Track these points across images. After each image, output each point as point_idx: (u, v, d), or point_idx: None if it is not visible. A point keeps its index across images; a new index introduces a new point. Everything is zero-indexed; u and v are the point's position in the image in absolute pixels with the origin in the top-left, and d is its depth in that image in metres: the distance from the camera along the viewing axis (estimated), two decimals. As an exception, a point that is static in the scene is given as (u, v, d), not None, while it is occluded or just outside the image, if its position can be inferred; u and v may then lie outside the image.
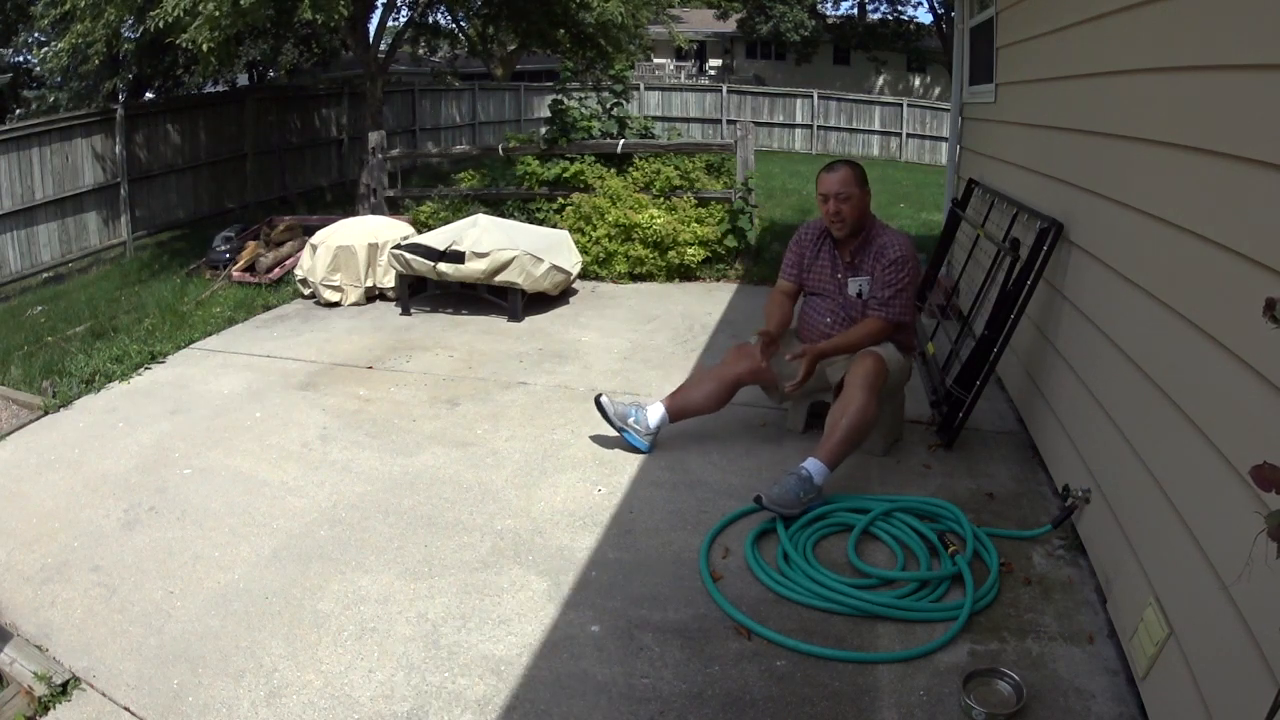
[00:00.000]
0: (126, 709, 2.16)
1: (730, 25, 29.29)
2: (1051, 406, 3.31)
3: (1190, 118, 2.24)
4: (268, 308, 5.89)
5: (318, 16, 7.39)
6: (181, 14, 7.03)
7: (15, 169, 8.51)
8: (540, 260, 5.44)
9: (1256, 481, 1.20)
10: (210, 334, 5.27)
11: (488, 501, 3.16)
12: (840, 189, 3.28)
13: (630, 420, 3.53)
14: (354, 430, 3.78)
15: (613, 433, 3.60)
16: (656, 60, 27.72)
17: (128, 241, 9.67)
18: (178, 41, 7.21)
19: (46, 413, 4.08)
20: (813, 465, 2.98)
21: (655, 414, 3.55)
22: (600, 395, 3.61)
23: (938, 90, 24.62)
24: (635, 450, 3.55)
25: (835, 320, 3.46)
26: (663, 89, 21.28)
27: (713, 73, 30.32)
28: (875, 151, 19.14)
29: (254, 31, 10.12)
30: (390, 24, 12.21)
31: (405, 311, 5.66)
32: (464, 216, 6.31)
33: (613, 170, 6.99)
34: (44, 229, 8.89)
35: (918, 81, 27.75)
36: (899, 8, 27.20)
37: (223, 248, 7.09)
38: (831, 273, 3.48)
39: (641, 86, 20.06)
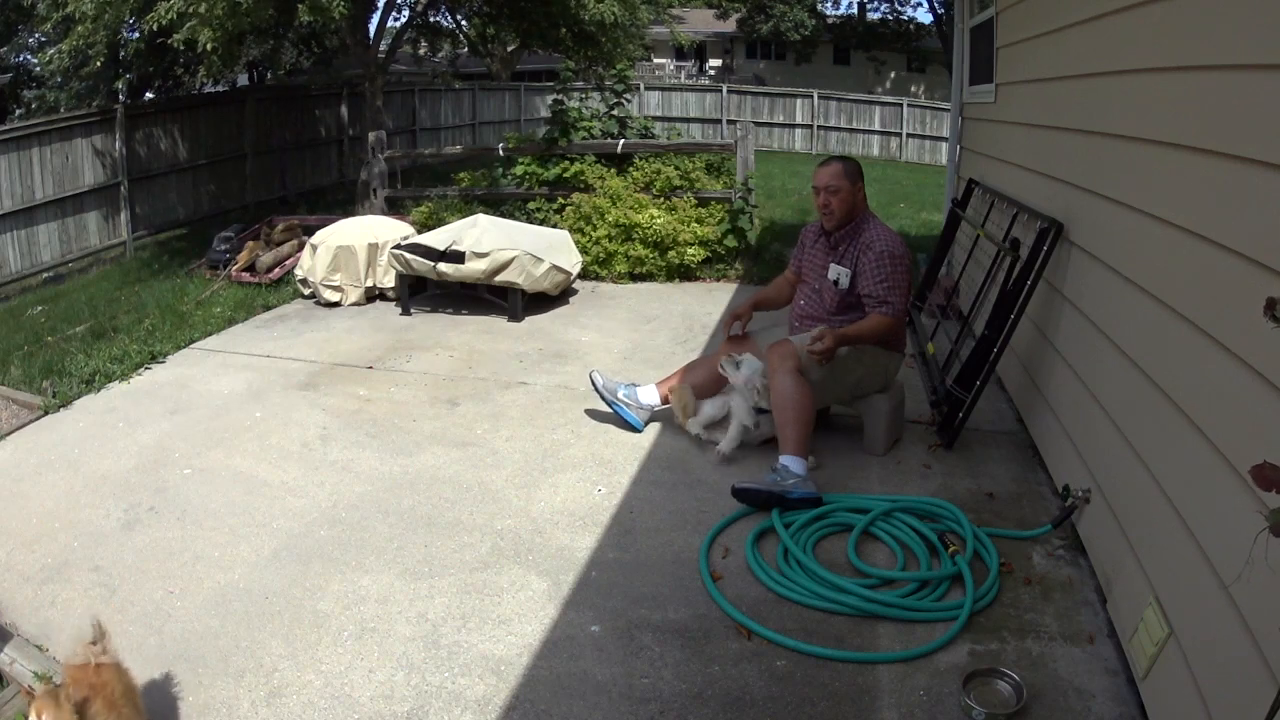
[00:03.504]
0: (126, 709, 2.15)
1: (730, 25, 29.29)
2: (1051, 406, 3.31)
3: (1190, 117, 2.24)
4: (268, 308, 5.89)
5: (316, 18, 7.40)
6: (176, 16, 7.03)
7: (15, 169, 8.50)
8: (540, 260, 5.44)
9: (1256, 481, 1.20)
10: (210, 334, 5.27)
11: (488, 501, 3.16)
12: (830, 182, 3.38)
13: (620, 394, 3.64)
14: (354, 430, 3.78)
15: (612, 428, 3.62)
16: (656, 60, 27.73)
17: (128, 241, 9.66)
18: (174, 41, 7.21)
19: (46, 413, 4.08)
20: (784, 460, 3.06)
21: (648, 393, 3.63)
22: (593, 371, 3.74)
23: (937, 91, 24.61)
24: (630, 428, 3.62)
25: (809, 303, 3.53)
26: (663, 89, 21.28)
27: (713, 73, 30.32)
28: (875, 151, 19.13)
29: (256, 31, 10.11)
30: (390, 24, 12.21)
31: (405, 311, 5.66)
32: (464, 216, 6.31)
33: (613, 170, 6.99)
34: (44, 229, 8.88)
35: (913, 88, 27.74)
36: (898, 7, 27.22)
37: (223, 248, 7.08)
38: (822, 259, 3.54)
39: (641, 86, 20.05)
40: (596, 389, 3.70)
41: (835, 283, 3.42)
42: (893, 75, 28.48)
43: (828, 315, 3.44)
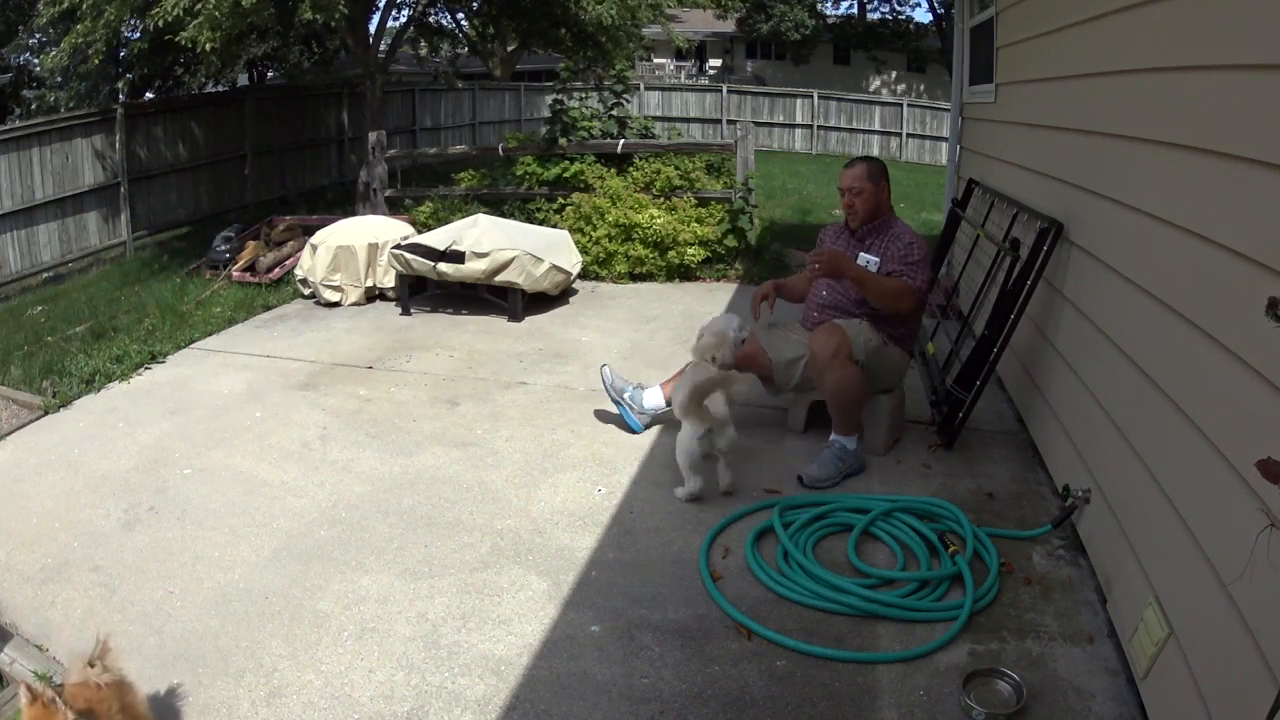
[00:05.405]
0: (126, 709, 2.15)
1: (730, 25, 29.29)
2: (1051, 406, 3.31)
3: (1189, 117, 2.24)
4: (268, 308, 5.89)
5: (318, 16, 7.39)
6: (181, 13, 7.03)
7: (15, 169, 8.49)
8: (540, 260, 5.44)
9: (1263, 474, 1.21)
10: (210, 334, 5.27)
11: (488, 501, 3.16)
12: (853, 184, 3.47)
13: (626, 395, 3.70)
14: (354, 430, 3.78)
15: (612, 428, 3.64)
16: (656, 60, 27.72)
17: (128, 241, 9.66)
18: (177, 39, 7.21)
19: (46, 413, 4.08)
20: (840, 438, 3.22)
21: (652, 397, 3.67)
22: (605, 365, 3.78)
23: (938, 90, 24.62)
24: (629, 430, 3.64)
25: (832, 293, 3.52)
26: (663, 89, 21.27)
27: (713, 73, 30.32)
28: (875, 151, 19.10)
29: (258, 31, 10.11)
30: (390, 24, 12.20)
31: (405, 311, 5.66)
32: (464, 216, 6.31)
33: (613, 170, 6.99)
34: (44, 229, 8.88)
35: (901, 87, 27.73)
36: (898, 7, 27.24)
37: (223, 248, 7.08)
38: (849, 252, 3.54)
39: (641, 86, 20.05)
40: (605, 385, 3.72)
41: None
42: (888, 74, 28.42)
43: (853, 305, 3.45)
